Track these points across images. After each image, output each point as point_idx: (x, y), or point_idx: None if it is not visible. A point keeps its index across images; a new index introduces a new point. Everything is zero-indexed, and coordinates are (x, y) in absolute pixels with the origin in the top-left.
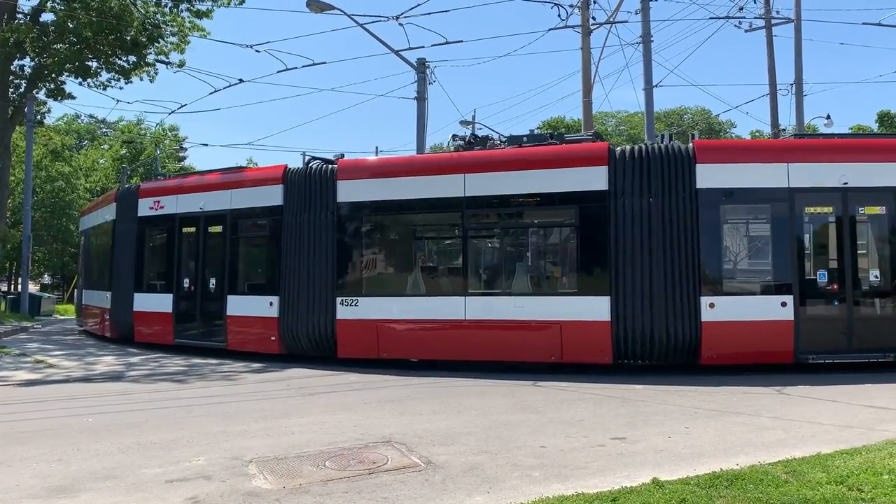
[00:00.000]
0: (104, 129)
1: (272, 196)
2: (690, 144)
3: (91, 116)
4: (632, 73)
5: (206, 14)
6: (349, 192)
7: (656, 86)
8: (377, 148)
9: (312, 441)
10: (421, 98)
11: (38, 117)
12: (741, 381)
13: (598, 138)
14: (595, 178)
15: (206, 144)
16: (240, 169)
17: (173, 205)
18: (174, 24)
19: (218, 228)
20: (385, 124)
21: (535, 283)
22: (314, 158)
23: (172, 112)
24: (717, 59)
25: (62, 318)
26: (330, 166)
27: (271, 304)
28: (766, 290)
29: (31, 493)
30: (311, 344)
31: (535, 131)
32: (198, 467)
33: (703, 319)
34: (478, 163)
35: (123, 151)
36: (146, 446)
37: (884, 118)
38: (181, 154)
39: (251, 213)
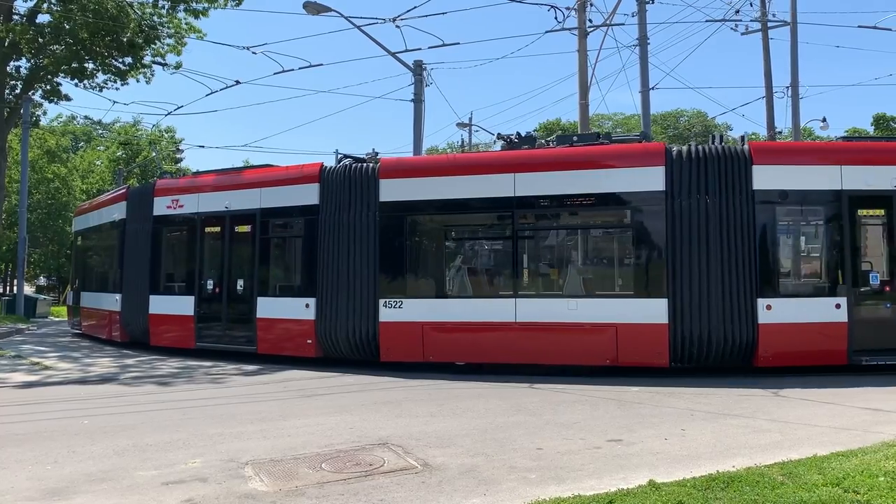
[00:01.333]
0: (100, 131)
1: (307, 195)
2: (746, 145)
3: (87, 118)
4: (628, 75)
5: (202, 13)
6: (393, 190)
7: (653, 88)
8: (373, 150)
9: (309, 443)
10: (418, 100)
11: (34, 118)
12: (737, 383)
13: (645, 138)
14: (652, 179)
15: (203, 146)
16: (269, 167)
17: (194, 204)
18: (171, 25)
19: (246, 228)
20: (382, 126)
21: (589, 284)
22: (346, 157)
23: (169, 114)
24: (714, 62)
25: (58, 319)
26: (371, 165)
27: (307, 306)
28: (821, 292)
29: (26, 496)
30: (350, 347)
31: (533, 133)
32: (194, 469)
33: (759, 321)
34: (529, 162)
35: (120, 153)
36: (142, 448)
37: (879, 121)
38: (177, 156)
39: (284, 213)
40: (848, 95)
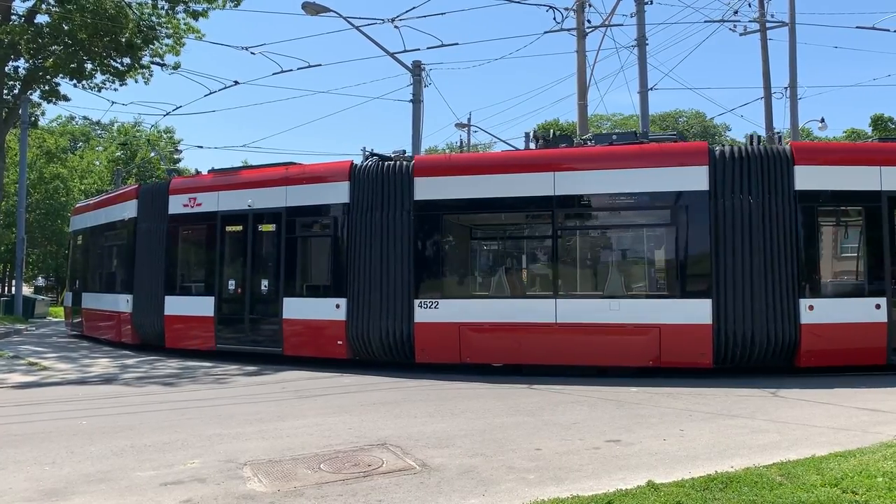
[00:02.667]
0: (99, 132)
1: (337, 193)
2: (787, 146)
3: (85, 118)
4: (627, 76)
5: (202, 14)
6: (428, 189)
7: (651, 89)
8: (372, 150)
9: (307, 444)
10: (416, 100)
11: (33, 119)
12: (736, 383)
13: (681, 138)
14: (696, 178)
15: (201, 146)
16: (293, 165)
17: (213, 202)
18: (169, 25)
19: (270, 227)
20: (380, 127)
21: (631, 285)
22: (373, 154)
23: (168, 114)
24: (712, 63)
25: (56, 320)
26: (405, 163)
27: (338, 306)
28: (861, 293)
29: (24, 497)
30: (383, 348)
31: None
32: (192, 470)
33: (801, 322)
34: (569, 160)
35: (119, 153)
36: (140, 449)
37: (877, 121)
38: (176, 156)
39: (312, 211)
40: (846, 96)
